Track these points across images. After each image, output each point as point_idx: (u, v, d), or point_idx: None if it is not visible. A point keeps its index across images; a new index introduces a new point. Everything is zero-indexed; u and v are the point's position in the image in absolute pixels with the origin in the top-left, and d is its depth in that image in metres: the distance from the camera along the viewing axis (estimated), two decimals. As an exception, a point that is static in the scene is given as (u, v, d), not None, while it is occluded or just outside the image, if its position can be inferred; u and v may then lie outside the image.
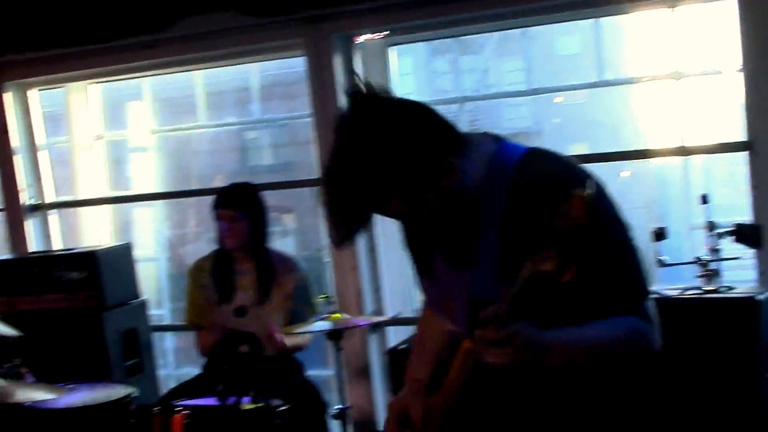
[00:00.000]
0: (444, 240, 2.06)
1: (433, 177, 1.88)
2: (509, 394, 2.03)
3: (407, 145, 1.85)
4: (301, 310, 4.12)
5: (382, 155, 1.84)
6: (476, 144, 1.99)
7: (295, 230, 5.52)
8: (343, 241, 1.93)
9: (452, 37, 4.90)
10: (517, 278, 1.75)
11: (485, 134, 2.05)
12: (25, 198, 5.26)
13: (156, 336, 5.00)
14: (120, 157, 5.62)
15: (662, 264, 3.59)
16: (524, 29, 4.85)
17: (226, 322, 4.08)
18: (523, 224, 1.85)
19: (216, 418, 3.32)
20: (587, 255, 1.70)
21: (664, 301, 3.34)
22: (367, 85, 1.92)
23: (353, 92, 1.91)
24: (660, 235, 3.59)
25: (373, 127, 1.87)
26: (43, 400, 3.50)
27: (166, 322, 5.44)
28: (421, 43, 4.98)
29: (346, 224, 1.91)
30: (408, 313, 4.70)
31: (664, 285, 3.59)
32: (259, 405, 3.34)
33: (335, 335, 3.80)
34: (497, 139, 2.03)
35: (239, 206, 4.07)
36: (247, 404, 3.33)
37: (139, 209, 5.66)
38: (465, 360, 1.98)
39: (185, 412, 3.27)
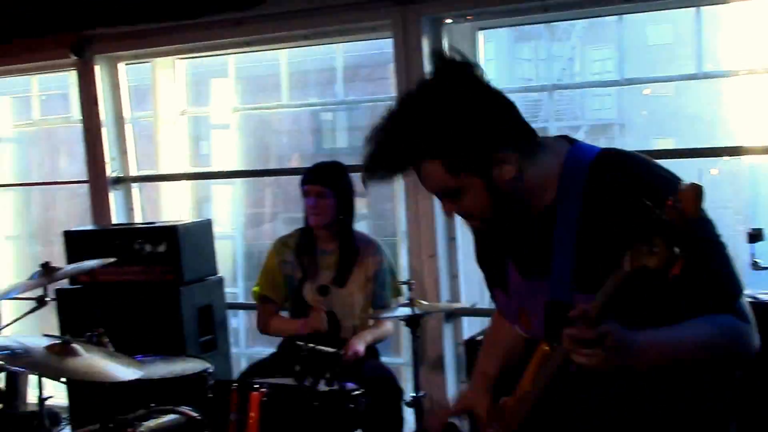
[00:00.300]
0: (517, 247, 2.05)
1: (482, 161, 1.86)
2: (592, 399, 2.01)
3: (471, 115, 1.85)
4: (382, 294, 4.17)
5: (443, 111, 1.84)
6: (550, 147, 1.98)
7: (368, 215, 5.53)
8: (367, 179, 1.94)
9: (542, 22, 4.85)
10: (612, 276, 1.71)
11: (559, 137, 2.04)
12: (110, 170, 5.39)
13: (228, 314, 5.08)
14: (202, 133, 5.70)
15: (757, 267, 3.51)
16: (619, 17, 4.76)
17: (311, 302, 4.14)
18: (602, 227, 1.83)
19: (292, 398, 3.37)
20: (690, 249, 1.65)
21: (759, 306, 3.27)
22: (462, 56, 1.92)
23: (448, 57, 1.92)
24: (756, 236, 3.51)
25: (448, 85, 1.87)
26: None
27: (240, 300, 5.51)
28: (504, 29, 4.95)
29: (380, 163, 1.91)
30: (483, 304, 4.70)
31: (759, 289, 3.51)
32: (335, 388, 3.38)
33: (413, 322, 3.82)
34: (570, 141, 2.02)
35: (328, 183, 4.12)
36: (323, 387, 3.38)
37: (217, 186, 5.74)
38: (541, 363, 1.97)
39: (263, 389, 3.33)
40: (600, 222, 1.86)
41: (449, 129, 1.84)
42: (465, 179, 1.87)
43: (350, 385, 3.40)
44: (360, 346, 3.99)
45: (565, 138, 2.03)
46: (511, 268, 2.09)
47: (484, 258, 2.20)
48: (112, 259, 4.17)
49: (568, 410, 2.00)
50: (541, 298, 2.00)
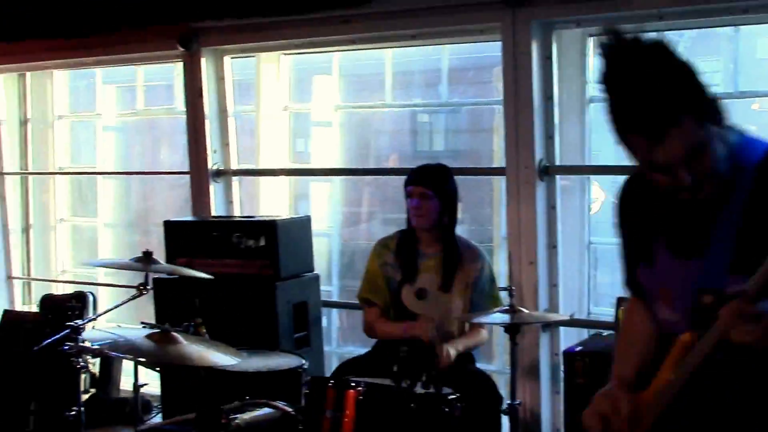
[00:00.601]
0: (673, 225, 2.08)
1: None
2: (731, 392, 2.02)
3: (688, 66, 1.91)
4: (481, 302, 4.17)
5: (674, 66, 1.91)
6: (721, 134, 2.01)
7: (465, 220, 5.56)
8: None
9: (654, 31, 4.79)
10: None
11: (729, 127, 2.07)
12: (211, 163, 5.50)
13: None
14: (303, 129, 5.78)
15: None
16: (735, 28, 4.68)
17: (409, 306, 4.18)
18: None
19: (389, 398, 3.40)
20: None
21: None
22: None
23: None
24: None
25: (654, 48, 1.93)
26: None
27: (334, 298, 5.56)
28: (611, 36, 4.89)
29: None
30: (581, 315, 4.67)
31: None
32: (431, 391, 3.40)
33: (513, 330, 3.82)
34: (740, 133, 2.07)
35: (432, 185, 4.16)
36: (419, 389, 3.40)
37: (316, 183, 5.81)
38: (682, 353, 1.98)
39: (360, 388, 3.37)
40: (766, 211, 1.91)
41: (690, 80, 1.90)
42: (708, 131, 1.92)
43: (447, 389, 3.42)
44: (452, 351, 4.00)
45: (733, 128, 2.07)
46: (660, 246, 2.12)
47: (631, 231, 2.22)
48: (208, 277, 4.25)
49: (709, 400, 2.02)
50: (688, 280, 2.03)
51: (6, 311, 6.38)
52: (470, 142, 5.80)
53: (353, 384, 3.38)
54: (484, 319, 4.01)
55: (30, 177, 6.70)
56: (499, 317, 3.88)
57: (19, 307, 6.54)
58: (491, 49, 4.77)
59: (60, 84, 6.63)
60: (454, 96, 5.56)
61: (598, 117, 4.78)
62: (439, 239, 4.23)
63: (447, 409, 3.35)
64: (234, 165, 5.57)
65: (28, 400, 5.61)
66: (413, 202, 4.18)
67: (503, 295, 4.19)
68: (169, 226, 5.08)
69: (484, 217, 5.52)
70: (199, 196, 5.54)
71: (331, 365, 5.17)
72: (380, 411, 3.38)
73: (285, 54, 5.51)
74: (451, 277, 4.16)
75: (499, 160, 4.98)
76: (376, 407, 3.38)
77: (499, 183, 5.01)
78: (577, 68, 4.67)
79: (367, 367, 3.96)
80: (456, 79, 5.48)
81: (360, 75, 5.68)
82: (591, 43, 4.67)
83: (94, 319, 4.64)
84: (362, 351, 4.58)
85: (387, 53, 5.49)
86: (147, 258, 4.18)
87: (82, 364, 4.13)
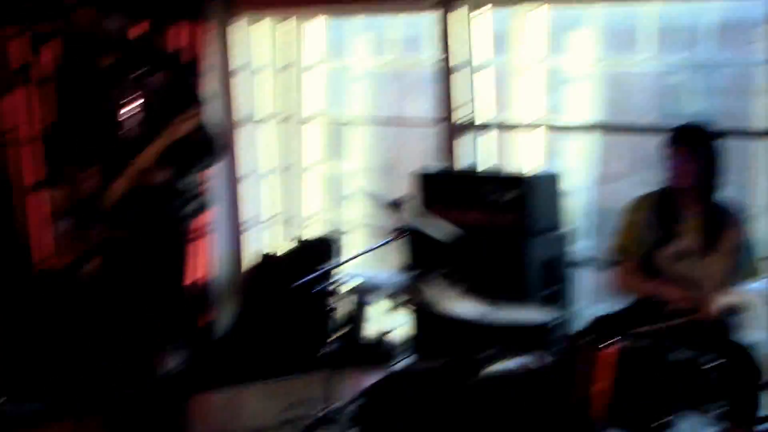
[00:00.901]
0: None
1: None
2: None
3: None
4: (743, 266, 4.14)
5: None
6: None
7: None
8: None
9: None
10: None
11: None
12: (461, 115, 5.67)
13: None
14: (557, 83, 5.82)
15: None
16: None
17: (665, 266, 4.20)
18: None
19: (644, 358, 3.47)
20: None
21: None
22: None
23: None
24: None
25: None
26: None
27: (584, 256, 5.60)
28: None
29: None
30: None
31: None
32: (689, 356, 3.45)
33: (778, 299, 3.79)
34: None
35: (695, 145, 4.16)
36: (677, 352, 3.46)
37: (570, 140, 5.83)
38: None
39: (616, 345, 3.46)
40: None
41: None
42: None
43: (706, 357, 3.45)
44: (715, 305, 3.98)
45: None
46: None
47: None
48: (453, 238, 4.39)
49: None
50: None
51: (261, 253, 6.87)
52: (729, 103, 5.66)
53: (610, 341, 3.48)
54: (746, 286, 3.98)
55: (283, 123, 7.12)
56: (761, 284, 3.84)
57: (270, 249, 6.98)
58: (758, 7, 4.66)
59: (314, 32, 6.96)
60: (715, 54, 5.45)
61: None
62: (699, 201, 4.21)
63: (704, 376, 3.40)
64: (485, 118, 5.71)
65: (282, 339, 6.03)
66: (675, 162, 4.18)
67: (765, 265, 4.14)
68: (419, 175, 5.31)
69: (742, 181, 5.40)
70: (448, 147, 5.71)
71: (579, 324, 5.24)
72: (635, 370, 3.46)
73: (541, 5, 5.56)
74: (712, 240, 4.14)
75: (760, 123, 4.86)
76: (631, 366, 3.46)
77: (759, 147, 4.90)
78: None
79: (623, 323, 4.01)
80: (719, 37, 5.37)
81: (619, 30, 5.65)
82: None
83: (348, 261, 4.91)
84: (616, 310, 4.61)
85: (648, 8, 5.43)
86: (400, 205, 4.42)
87: (334, 305, 4.43)
